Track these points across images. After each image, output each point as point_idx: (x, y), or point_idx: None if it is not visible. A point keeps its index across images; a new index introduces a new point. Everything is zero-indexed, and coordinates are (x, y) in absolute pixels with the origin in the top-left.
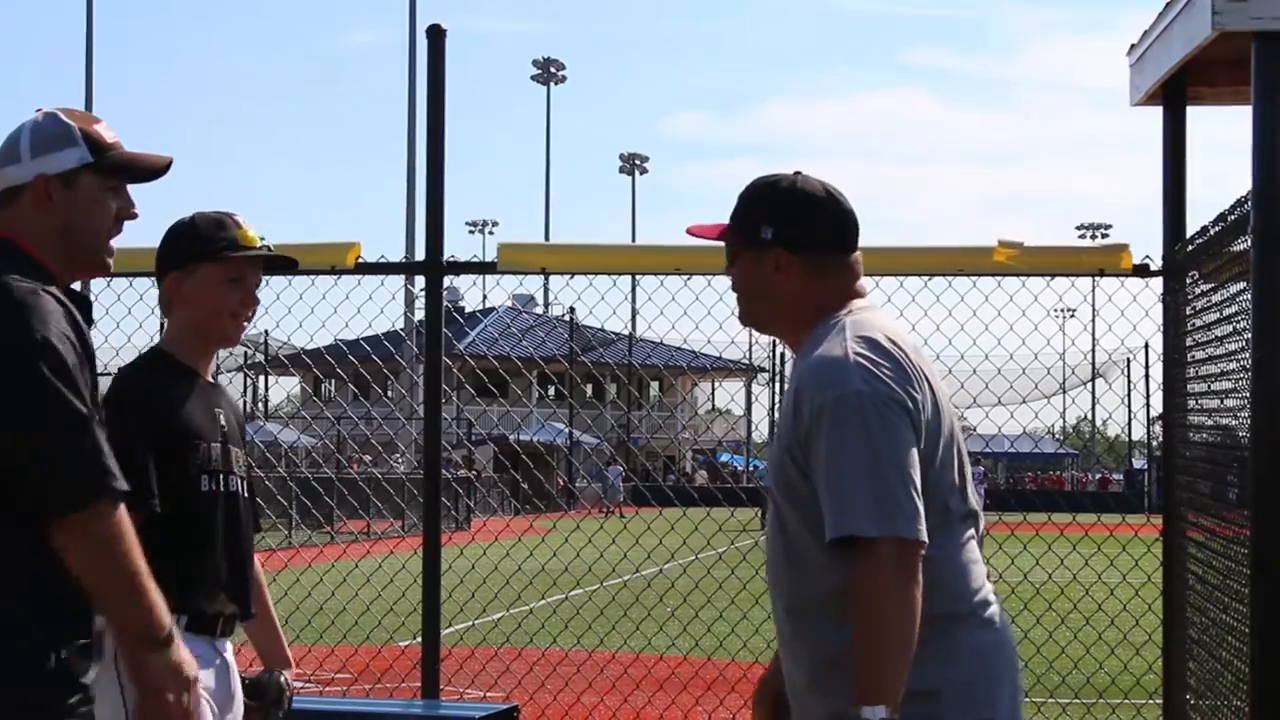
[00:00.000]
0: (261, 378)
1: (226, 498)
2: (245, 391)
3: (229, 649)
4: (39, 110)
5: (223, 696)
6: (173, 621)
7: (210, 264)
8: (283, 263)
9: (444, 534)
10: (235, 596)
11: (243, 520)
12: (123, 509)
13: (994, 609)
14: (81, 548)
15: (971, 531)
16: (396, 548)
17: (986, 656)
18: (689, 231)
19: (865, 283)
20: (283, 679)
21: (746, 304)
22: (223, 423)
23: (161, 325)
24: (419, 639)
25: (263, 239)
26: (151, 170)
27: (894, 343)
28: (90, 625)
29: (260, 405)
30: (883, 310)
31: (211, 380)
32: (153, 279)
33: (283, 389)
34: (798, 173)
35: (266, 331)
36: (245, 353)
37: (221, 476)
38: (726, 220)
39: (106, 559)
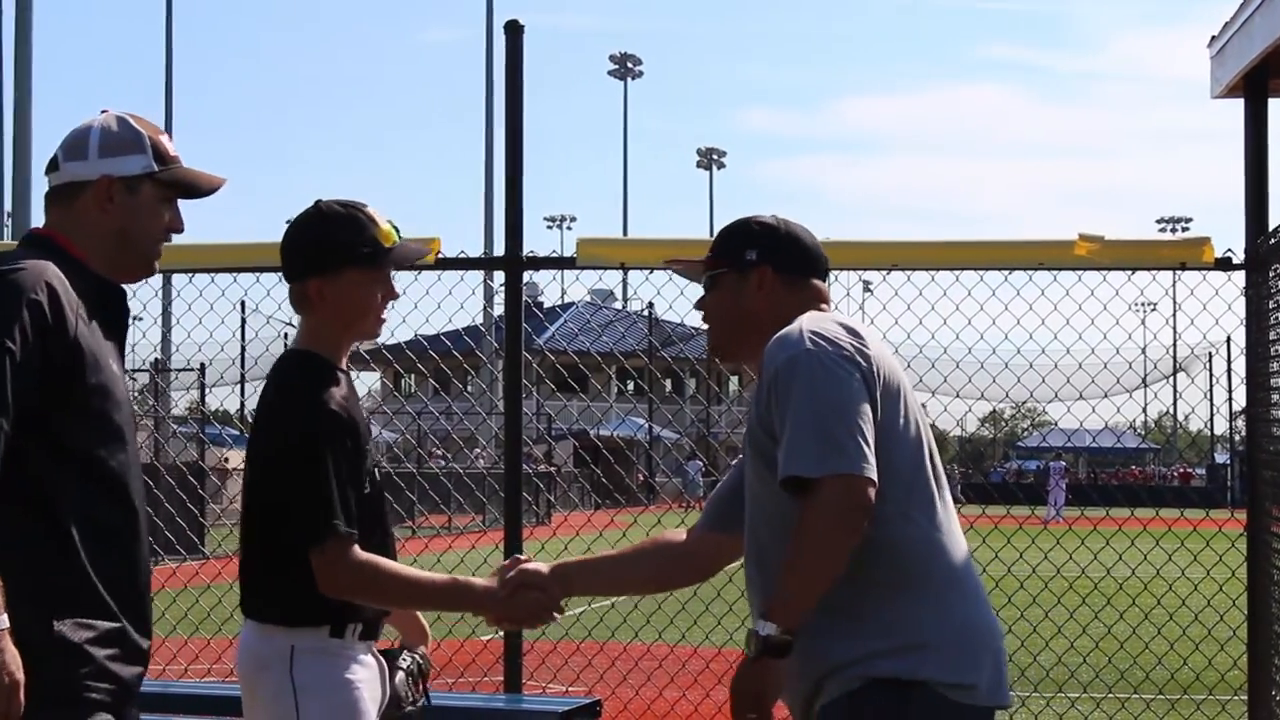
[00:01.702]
0: None
1: (378, 493)
2: None
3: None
4: (105, 112)
5: (380, 700)
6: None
7: (355, 269)
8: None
9: (525, 528)
10: None
11: (387, 513)
12: None
13: (977, 580)
14: None
15: (949, 500)
16: (478, 542)
17: (975, 624)
18: (667, 263)
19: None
20: (420, 654)
21: (719, 331)
22: (363, 417)
23: (243, 322)
24: (501, 633)
25: (391, 224)
26: (208, 189)
27: (848, 322)
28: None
29: None
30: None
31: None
32: (233, 275)
33: (364, 384)
34: (774, 215)
35: None
36: None
37: (375, 473)
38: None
39: None
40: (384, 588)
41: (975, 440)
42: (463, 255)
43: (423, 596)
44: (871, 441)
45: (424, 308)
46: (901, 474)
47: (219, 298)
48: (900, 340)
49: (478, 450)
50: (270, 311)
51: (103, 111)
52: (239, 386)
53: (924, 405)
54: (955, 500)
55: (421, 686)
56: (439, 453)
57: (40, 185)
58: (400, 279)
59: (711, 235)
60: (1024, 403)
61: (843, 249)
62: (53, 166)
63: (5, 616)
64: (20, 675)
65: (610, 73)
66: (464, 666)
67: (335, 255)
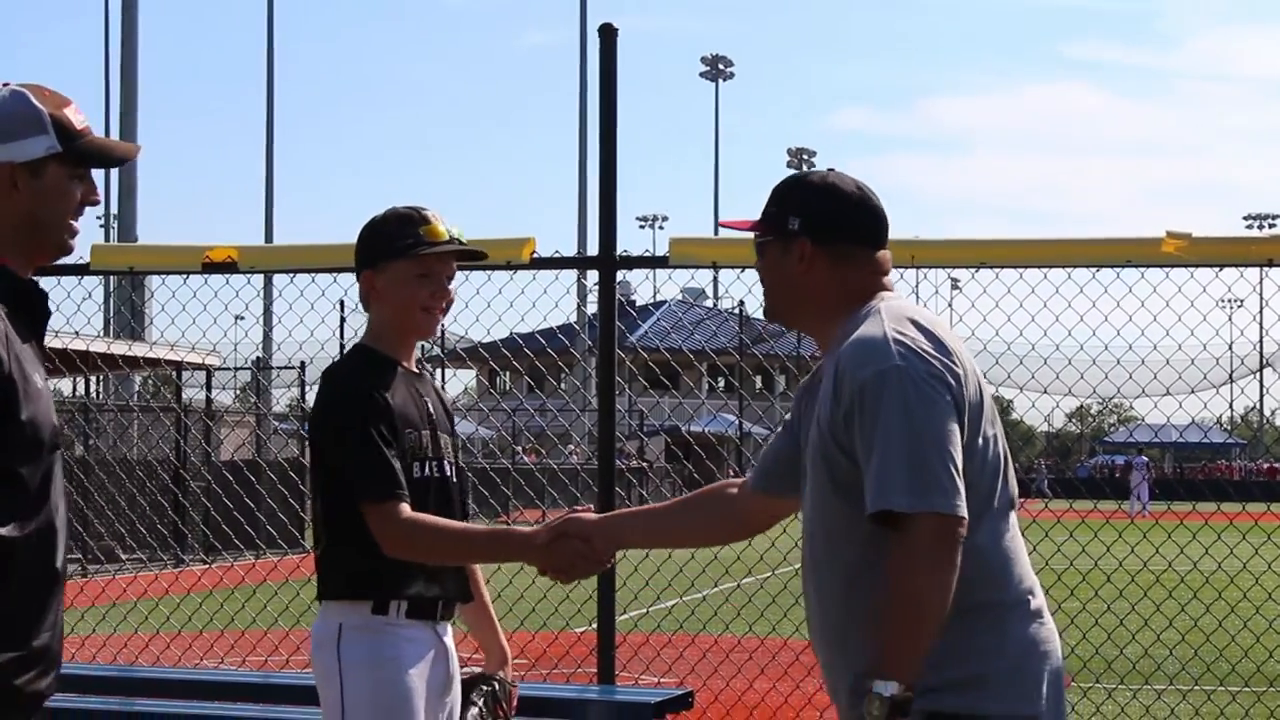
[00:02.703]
0: (439, 371)
1: (438, 483)
2: None
3: (449, 633)
4: (5, 85)
5: (439, 682)
6: None
7: (401, 261)
8: (473, 254)
9: None
10: (452, 580)
11: (454, 504)
12: None
13: (1040, 599)
14: None
15: (1014, 518)
16: None
17: (1033, 649)
18: (721, 224)
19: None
20: (497, 681)
21: (772, 296)
22: (430, 410)
23: (342, 321)
24: (595, 625)
25: (451, 232)
26: (120, 159)
27: (930, 324)
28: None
29: None
30: (911, 300)
31: (416, 369)
32: (333, 275)
33: (460, 382)
34: (830, 169)
35: (444, 326)
36: (422, 346)
37: (433, 463)
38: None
39: None
40: (434, 542)
41: (1062, 435)
42: (557, 255)
43: (470, 546)
44: (961, 470)
45: (519, 306)
46: (978, 497)
47: (319, 297)
48: (989, 337)
49: (571, 446)
50: None
51: (3, 84)
52: None
53: (1011, 402)
54: (1041, 496)
55: (502, 710)
56: (524, 449)
57: (145, 187)
58: (496, 278)
59: None
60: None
61: (932, 247)
62: None
63: None
64: None
65: (702, 74)
66: (559, 658)
67: (380, 249)
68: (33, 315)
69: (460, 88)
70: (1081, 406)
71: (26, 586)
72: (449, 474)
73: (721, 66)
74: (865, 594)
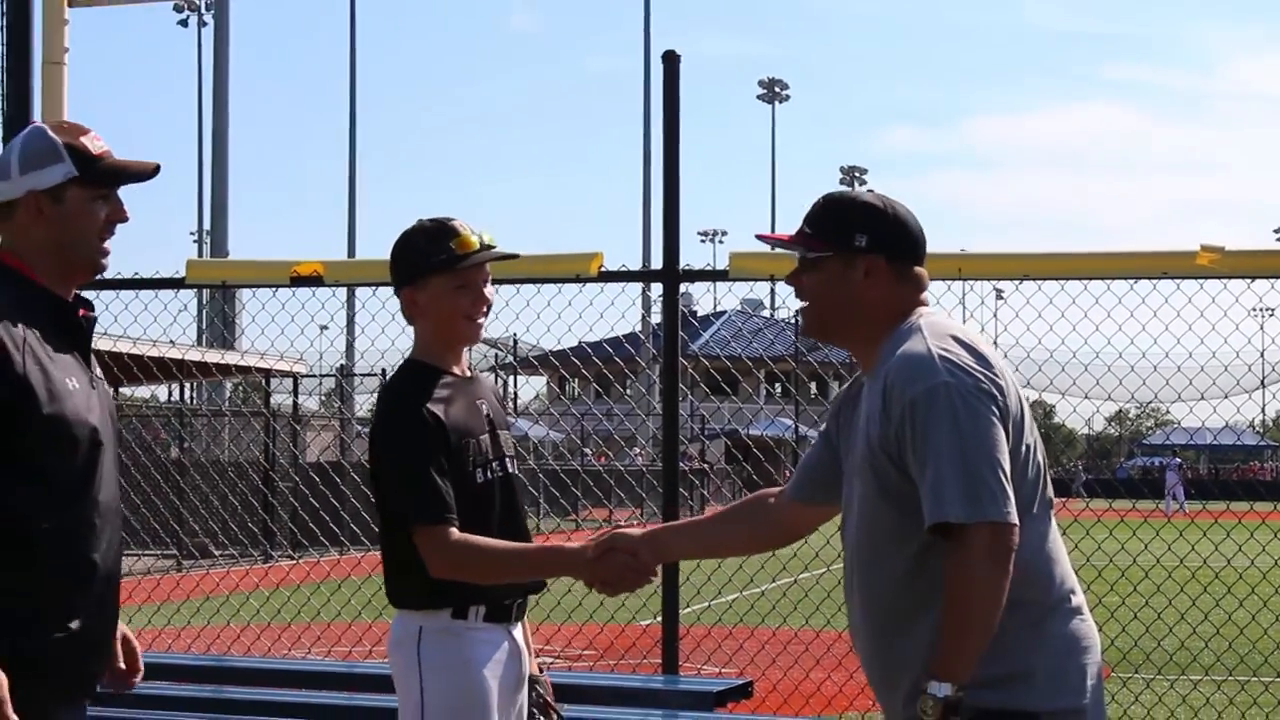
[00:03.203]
0: (511, 378)
1: (502, 482)
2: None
3: (519, 631)
4: (32, 123)
5: (511, 681)
6: None
7: (438, 276)
8: (505, 256)
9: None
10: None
11: (518, 499)
12: None
13: (1080, 597)
14: None
15: (1053, 520)
16: None
17: (1077, 645)
18: (758, 237)
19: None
20: (540, 683)
21: (821, 311)
22: (486, 412)
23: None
24: (659, 619)
25: (482, 238)
26: (140, 175)
27: (971, 339)
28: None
29: (511, 403)
30: (945, 314)
31: (468, 374)
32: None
33: (531, 388)
34: (871, 190)
35: (515, 335)
36: (496, 355)
37: (494, 464)
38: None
39: None
40: (482, 563)
41: (1102, 438)
42: (623, 269)
43: (520, 564)
44: (1010, 479)
45: (587, 317)
46: (1021, 503)
47: (400, 309)
48: (1032, 345)
49: (636, 449)
50: None
51: (31, 123)
52: None
53: (1054, 406)
54: (1079, 496)
55: (553, 708)
56: (593, 452)
57: (235, 204)
58: (565, 290)
59: None
60: (1148, 403)
61: (977, 260)
62: None
63: None
64: (3, 690)
65: (759, 96)
66: (625, 650)
67: (416, 266)
68: (72, 329)
69: (530, 108)
70: (1120, 411)
71: (59, 575)
72: (511, 470)
73: (778, 89)
74: (914, 598)
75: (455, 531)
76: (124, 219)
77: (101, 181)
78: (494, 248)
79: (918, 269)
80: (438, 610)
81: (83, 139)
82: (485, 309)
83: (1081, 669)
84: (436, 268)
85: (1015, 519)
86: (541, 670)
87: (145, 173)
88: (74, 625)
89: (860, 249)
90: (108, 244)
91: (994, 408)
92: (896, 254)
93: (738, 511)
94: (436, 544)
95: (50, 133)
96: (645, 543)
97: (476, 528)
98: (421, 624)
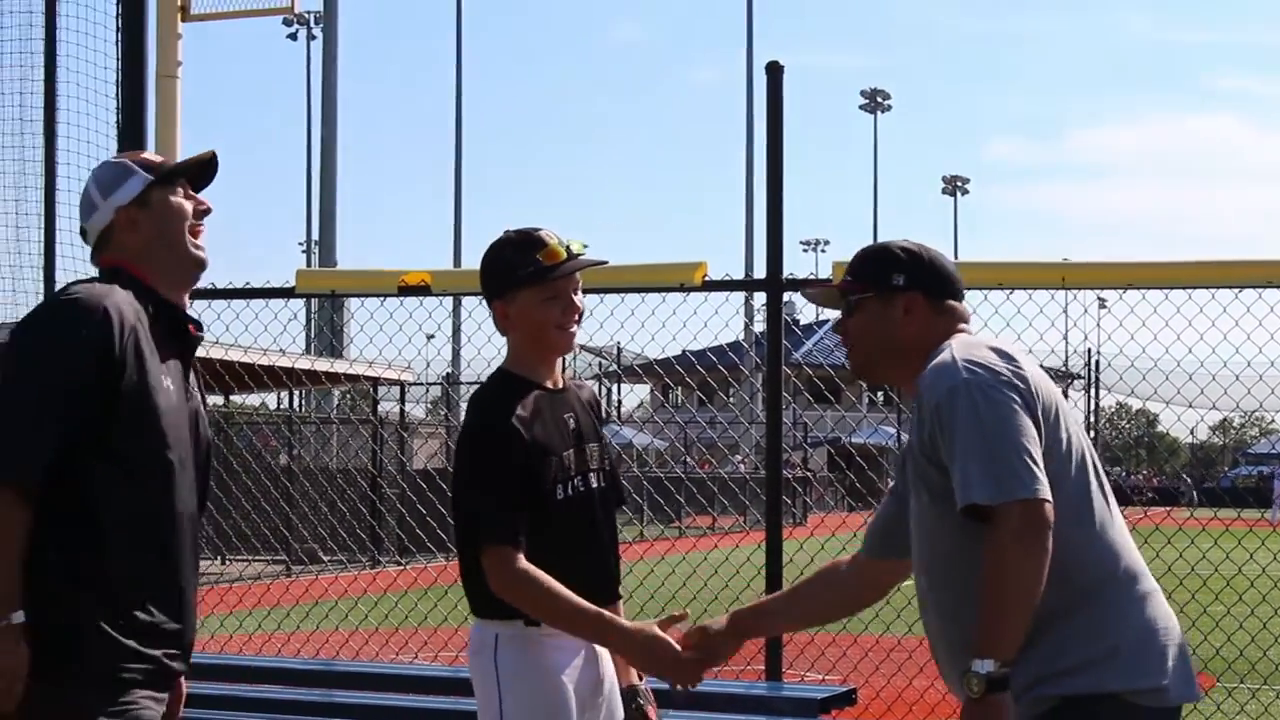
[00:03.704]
0: (615, 386)
1: (581, 497)
2: (601, 398)
3: None
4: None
5: (588, 685)
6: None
7: (525, 289)
8: (593, 263)
9: (784, 529)
10: (601, 587)
11: (600, 514)
12: (11, 495)
13: (1151, 582)
14: None
15: (1116, 508)
16: (740, 542)
17: (1152, 625)
18: (798, 283)
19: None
20: (640, 692)
21: (864, 349)
22: (573, 425)
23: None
24: None
25: (570, 247)
26: (200, 165)
27: (999, 345)
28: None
29: (615, 411)
30: (985, 334)
31: (559, 385)
32: None
33: (636, 396)
34: (910, 241)
35: (619, 344)
36: (600, 363)
37: (575, 479)
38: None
39: None
40: (539, 601)
41: (1206, 447)
42: (727, 278)
43: (567, 619)
44: (1040, 460)
45: (691, 325)
46: (1068, 493)
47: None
48: (1136, 354)
49: (739, 457)
50: None
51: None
52: None
53: (1158, 415)
54: (1184, 505)
55: (653, 714)
56: (696, 460)
57: (344, 215)
58: (670, 299)
59: (956, 258)
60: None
61: (1081, 270)
62: (83, 234)
63: (20, 614)
64: (22, 669)
65: (861, 106)
66: (729, 657)
67: (505, 278)
68: (180, 337)
69: (633, 118)
70: (1225, 420)
71: (127, 559)
72: (594, 484)
73: (880, 99)
74: (960, 586)
75: (519, 557)
76: (208, 209)
77: (174, 175)
78: (582, 254)
79: (955, 303)
80: (512, 619)
81: (143, 156)
82: (577, 318)
83: (1162, 648)
84: (524, 281)
85: (1045, 494)
86: (641, 678)
87: (205, 158)
88: (140, 615)
89: (898, 287)
90: (201, 238)
91: (1015, 396)
92: (934, 290)
93: (814, 582)
94: (498, 565)
95: (114, 161)
96: (730, 631)
97: (555, 544)
98: (498, 632)
